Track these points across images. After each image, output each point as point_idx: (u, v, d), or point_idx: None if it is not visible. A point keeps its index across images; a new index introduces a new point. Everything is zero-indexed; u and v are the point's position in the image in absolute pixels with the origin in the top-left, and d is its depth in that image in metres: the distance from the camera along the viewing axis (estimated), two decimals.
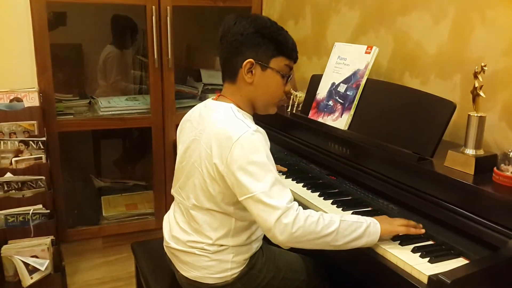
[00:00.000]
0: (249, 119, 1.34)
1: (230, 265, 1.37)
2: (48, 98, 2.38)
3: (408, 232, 1.30)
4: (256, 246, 1.43)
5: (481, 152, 1.33)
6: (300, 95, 2.07)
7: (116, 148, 3.37)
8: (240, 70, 1.34)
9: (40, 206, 2.19)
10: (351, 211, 1.47)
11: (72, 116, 2.58)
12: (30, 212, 2.15)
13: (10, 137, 2.19)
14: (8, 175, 2.15)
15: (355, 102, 1.70)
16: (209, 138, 1.30)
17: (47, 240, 2.17)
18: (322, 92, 1.87)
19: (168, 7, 2.50)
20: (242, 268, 1.39)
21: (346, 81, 1.77)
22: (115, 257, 2.68)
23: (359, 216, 1.31)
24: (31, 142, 2.21)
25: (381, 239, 1.28)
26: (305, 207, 1.54)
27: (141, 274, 1.69)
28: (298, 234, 1.20)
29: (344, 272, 1.46)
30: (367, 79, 1.70)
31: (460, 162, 1.33)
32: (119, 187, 3.14)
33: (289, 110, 2.08)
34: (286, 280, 1.47)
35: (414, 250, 1.24)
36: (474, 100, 1.33)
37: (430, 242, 1.30)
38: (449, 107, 1.39)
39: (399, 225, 1.30)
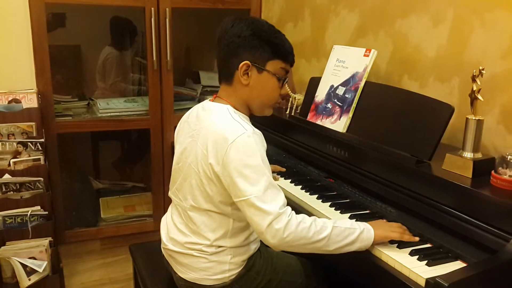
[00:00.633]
0: (245, 121, 1.34)
1: (228, 266, 1.37)
2: (47, 99, 2.38)
3: (402, 239, 1.30)
4: (254, 247, 1.43)
5: (479, 156, 1.33)
6: (299, 97, 2.07)
7: (115, 149, 3.37)
8: (236, 72, 1.35)
9: (38, 207, 2.19)
10: (349, 214, 1.47)
11: (70, 118, 2.57)
12: (28, 213, 2.15)
13: (8, 139, 2.19)
14: (7, 176, 2.14)
15: (354, 105, 1.70)
16: (205, 139, 1.30)
17: (45, 241, 2.17)
18: (320, 94, 1.87)
19: (167, 9, 2.50)
20: (240, 269, 1.39)
21: (344, 83, 1.77)
22: (113, 259, 2.68)
23: (353, 222, 1.32)
24: (29, 143, 2.21)
25: (376, 244, 1.29)
26: (303, 209, 1.55)
27: (139, 276, 1.68)
28: (289, 239, 1.21)
29: (341, 275, 1.46)
30: (366, 82, 1.70)
31: (458, 165, 1.33)
32: (118, 188, 3.14)
33: (287, 112, 2.09)
34: (284, 283, 1.47)
35: (411, 253, 1.24)
36: (472, 103, 1.33)
37: (428, 245, 1.30)
38: (447, 110, 1.39)
39: (393, 231, 1.31)
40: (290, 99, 2.08)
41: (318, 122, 1.83)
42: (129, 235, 2.71)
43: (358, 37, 2.10)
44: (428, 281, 1.10)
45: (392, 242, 1.30)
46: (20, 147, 2.19)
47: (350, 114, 1.71)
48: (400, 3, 1.87)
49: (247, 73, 1.34)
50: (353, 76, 1.75)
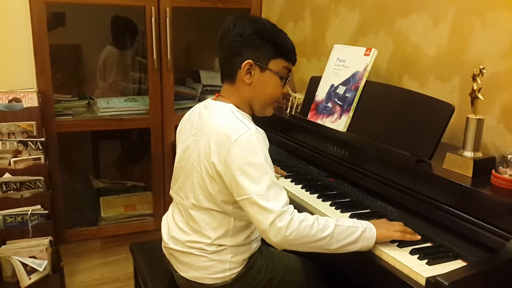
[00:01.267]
0: (248, 119, 1.34)
1: (229, 265, 1.37)
2: (47, 98, 2.38)
3: (404, 238, 1.30)
4: (255, 246, 1.43)
5: (479, 155, 1.34)
6: (299, 96, 2.07)
7: (115, 149, 3.37)
8: (239, 71, 1.35)
9: (39, 206, 2.19)
10: (350, 213, 1.47)
11: (71, 117, 2.57)
12: (29, 212, 2.15)
13: (8, 138, 2.19)
14: (7, 175, 2.14)
15: (354, 104, 1.71)
16: (208, 137, 1.30)
17: (46, 240, 2.17)
18: (321, 93, 1.87)
19: (167, 8, 2.50)
20: (240, 268, 1.39)
21: (345, 83, 1.78)
22: (113, 258, 2.68)
23: (355, 220, 1.31)
24: (29, 142, 2.21)
25: (377, 244, 1.28)
26: (303, 208, 1.55)
27: (139, 275, 1.69)
28: (292, 238, 1.21)
29: (342, 274, 1.46)
30: (366, 81, 1.70)
31: (458, 165, 1.33)
32: (118, 188, 3.13)
33: (288, 111, 2.09)
34: (284, 282, 1.47)
35: (412, 252, 1.24)
36: (472, 102, 1.33)
37: (428, 244, 1.30)
38: (447, 110, 1.39)
39: (396, 230, 1.31)
40: (291, 98, 2.08)
41: (319, 121, 1.83)
42: (130, 234, 2.71)
43: (358, 37, 2.10)
44: (428, 280, 1.10)
45: (392, 241, 1.30)
46: (20, 146, 2.19)
47: (351, 114, 1.71)
48: (400, 2, 1.87)
49: (250, 72, 1.34)
50: (353, 75, 1.75)
